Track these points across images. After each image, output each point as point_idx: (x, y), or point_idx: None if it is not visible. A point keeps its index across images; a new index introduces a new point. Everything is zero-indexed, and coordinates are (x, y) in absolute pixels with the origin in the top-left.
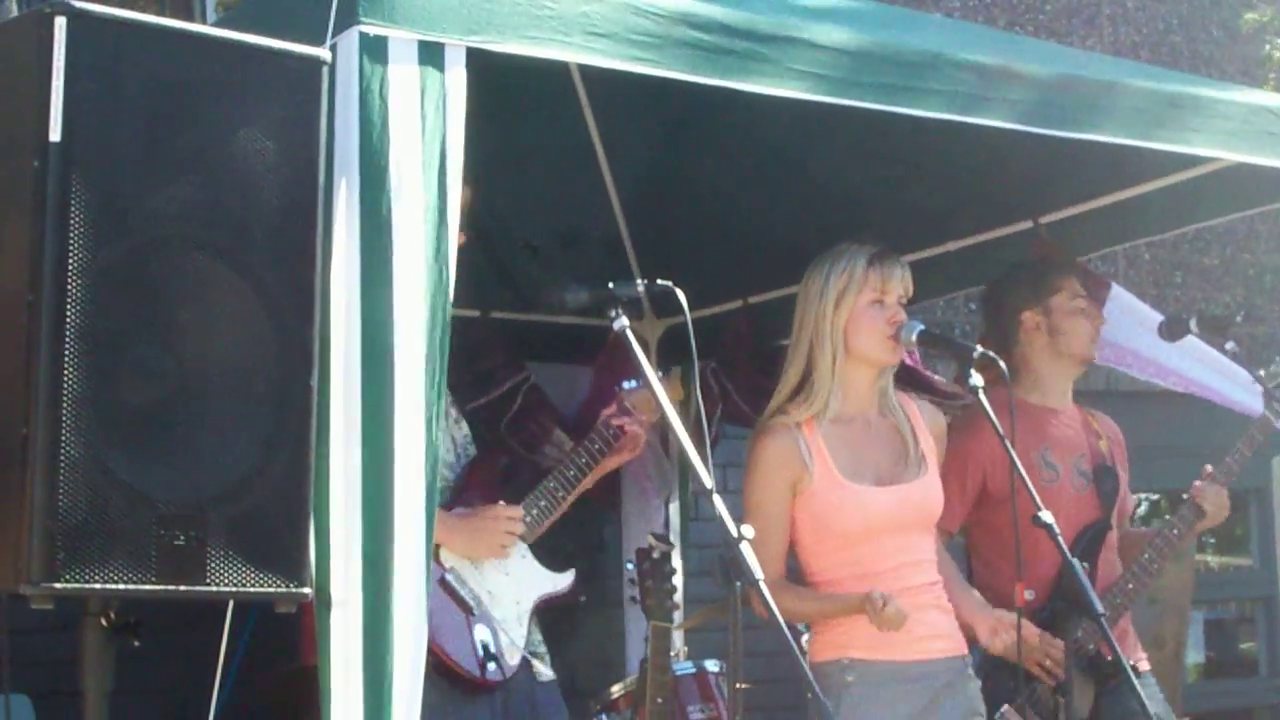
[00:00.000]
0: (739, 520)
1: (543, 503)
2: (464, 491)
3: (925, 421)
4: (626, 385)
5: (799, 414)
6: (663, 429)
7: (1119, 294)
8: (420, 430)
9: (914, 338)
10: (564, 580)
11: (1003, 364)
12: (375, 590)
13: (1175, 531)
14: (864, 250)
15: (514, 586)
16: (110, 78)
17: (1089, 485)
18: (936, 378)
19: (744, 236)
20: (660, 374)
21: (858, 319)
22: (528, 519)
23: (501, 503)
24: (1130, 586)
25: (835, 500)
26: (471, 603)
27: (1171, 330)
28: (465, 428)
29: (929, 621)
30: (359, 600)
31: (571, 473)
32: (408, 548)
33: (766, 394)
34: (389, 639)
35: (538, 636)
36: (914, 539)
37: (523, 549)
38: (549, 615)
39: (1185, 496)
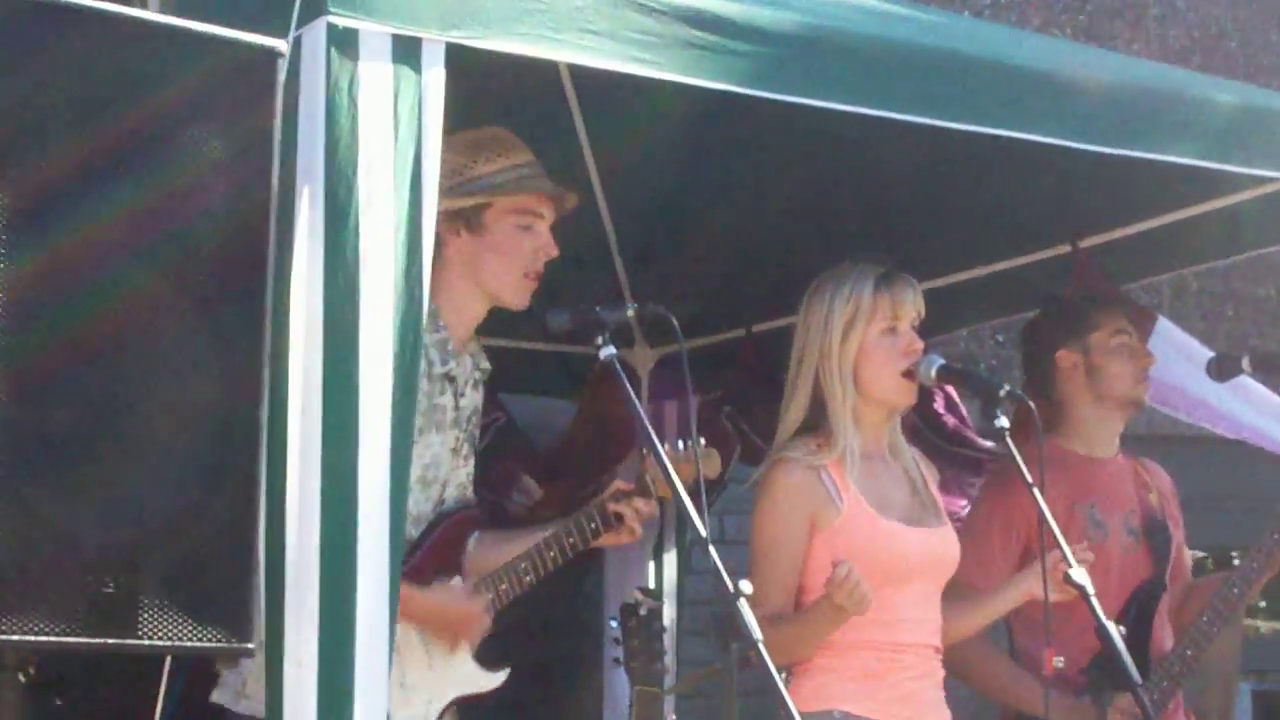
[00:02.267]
0: (739, 572)
1: (503, 586)
2: (420, 549)
3: (927, 470)
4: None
5: (820, 456)
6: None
7: (1165, 328)
8: (385, 472)
9: (934, 374)
10: (492, 680)
11: (1031, 404)
12: (333, 650)
13: (1236, 591)
14: (870, 270)
15: (433, 681)
16: (34, 66)
17: (1139, 543)
18: (978, 440)
19: (748, 257)
20: (694, 443)
21: (869, 352)
22: (490, 596)
23: (458, 583)
24: (1189, 653)
25: (869, 535)
26: None
27: (1222, 369)
28: (470, 467)
29: (930, 698)
30: (314, 661)
31: (551, 553)
32: (371, 601)
33: None
34: (349, 710)
35: None
36: (934, 591)
37: None
38: (516, 679)
39: (1247, 550)
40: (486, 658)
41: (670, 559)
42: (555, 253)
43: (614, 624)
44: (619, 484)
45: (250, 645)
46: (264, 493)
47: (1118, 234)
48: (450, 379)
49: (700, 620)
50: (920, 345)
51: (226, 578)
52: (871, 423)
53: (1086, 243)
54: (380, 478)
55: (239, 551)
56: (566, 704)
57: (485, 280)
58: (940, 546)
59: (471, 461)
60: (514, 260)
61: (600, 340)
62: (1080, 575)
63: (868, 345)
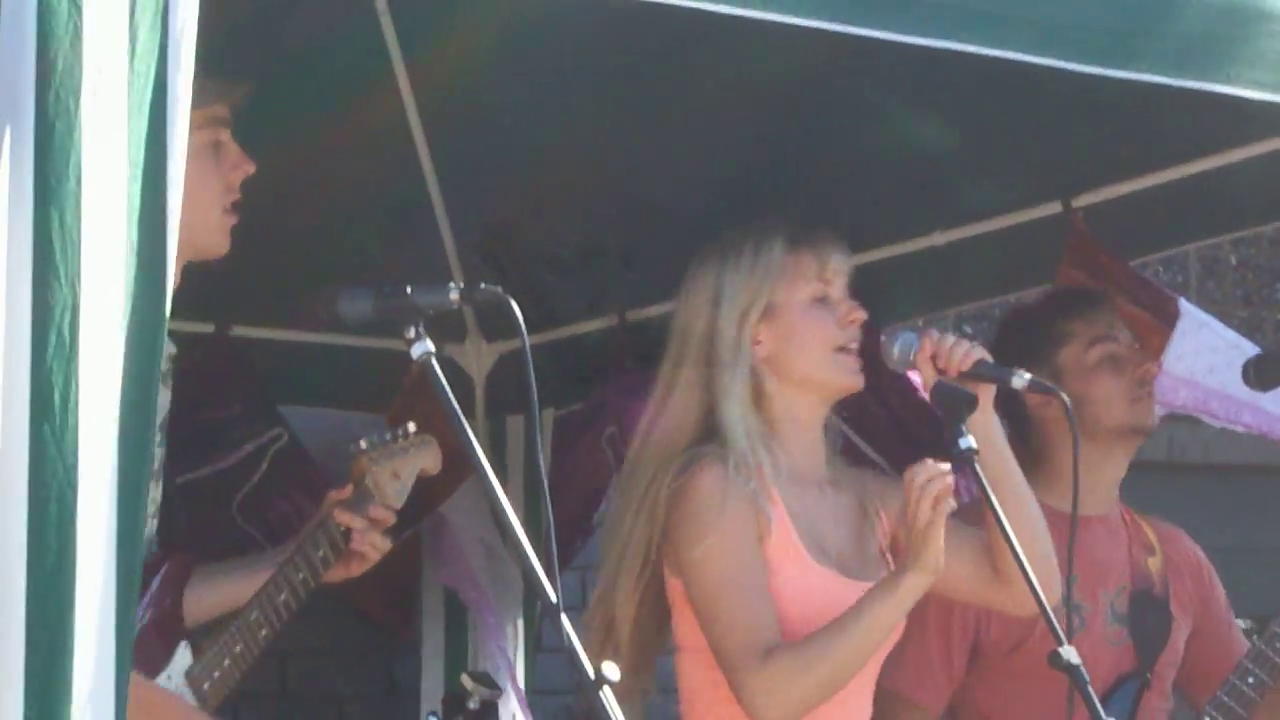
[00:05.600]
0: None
1: (239, 648)
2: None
3: (880, 494)
4: (363, 443)
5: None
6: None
7: (1191, 315)
8: (109, 512)
9: (913, 356)
10: None
11: (1065, 396)
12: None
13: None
14: (775, 229)
15: None
16: None
17: (1125, 630)
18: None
19: (625, 223)
20: (409, 429)
21: (797, 328)
22: (217, 674)
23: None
24: None
25: (796, 581)
26: None
27: (1263, 373)
28: (156, 492)
29: None
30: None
31: (282, 597)
32: (92, 678)
33: None
34: None
35: None
36: (871, 668)
37: None
38: None
39: None
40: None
41: (516, 631)
42: (252, 167)
43: None
44: (335, 493)
45: None
46: None
47: (1122, 189)
48: None
49: (553, 716)
50: (862, 313)
51: None
52: (796, 426)
53: (1081, 201)
54: (103, 526)
55: None
56: None
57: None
58: None
59: (159, 484)
60: (210, 192)
61: (414, 333)
62: (1071, 654)
63: (792, 322)
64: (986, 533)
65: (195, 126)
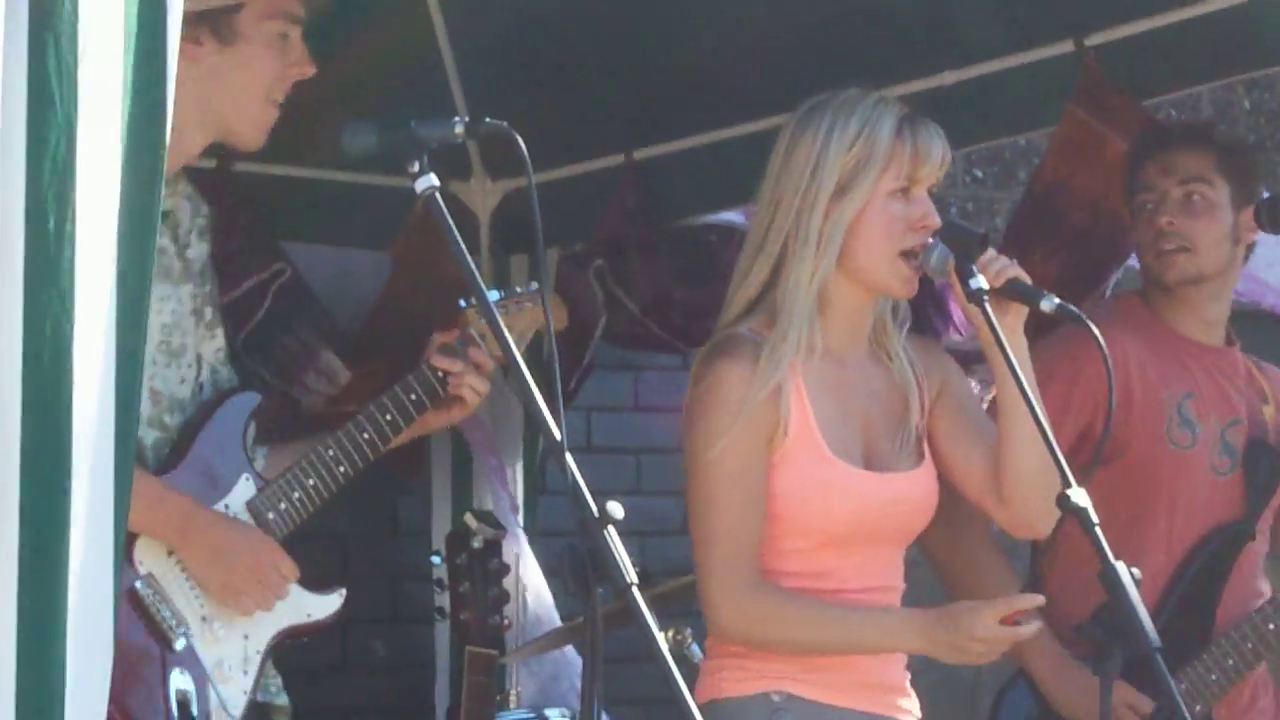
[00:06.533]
0: (613, 491)
1: (311, 481)
2: (188, 452)
3: (926, 366)
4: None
5: (768, 333)
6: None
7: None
8: (102, 349)
9: (948, 266)
10: (325, 605)
11: (1094, 328)
12: (37, 607)
13: None
14: (889, 106)
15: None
16: None
17: (1236, 467)
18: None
19: (629, 55)
20: (530, 287)
21: (868, 216)
22: (283, 505)
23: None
24: (1272, 627)
25: (817, 480)
26: (172, 632)
27: (1274, 214)
28: (221, 339)
29: (892, 679)
30: (10, 625)
31: (366, 435)
32: (89, 538)
33: (681, 306)
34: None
35: (275, 682)
36: (891, 553)
37: None
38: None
39: None
40: (309, 576)
41: (515, 474)
42: (312, 69)
43: (437, 560)
44: (440, 336)
45: None
46: None
47: (1136, 28)
48: (165, 214)
49: (556, 557)
50: (936, 220)
51: None
52: (844, 311)
53: (1093, 40)
54: (96, 362)
55: None
56: (378, 668)
57: (222, 105)
58: (912, 494)
59: (220, 335)
60: (263, 80)
61: (418, 167)
62: (1080, 497)
63: (870, 206)
64: (997, 426)
65: (266, 15)
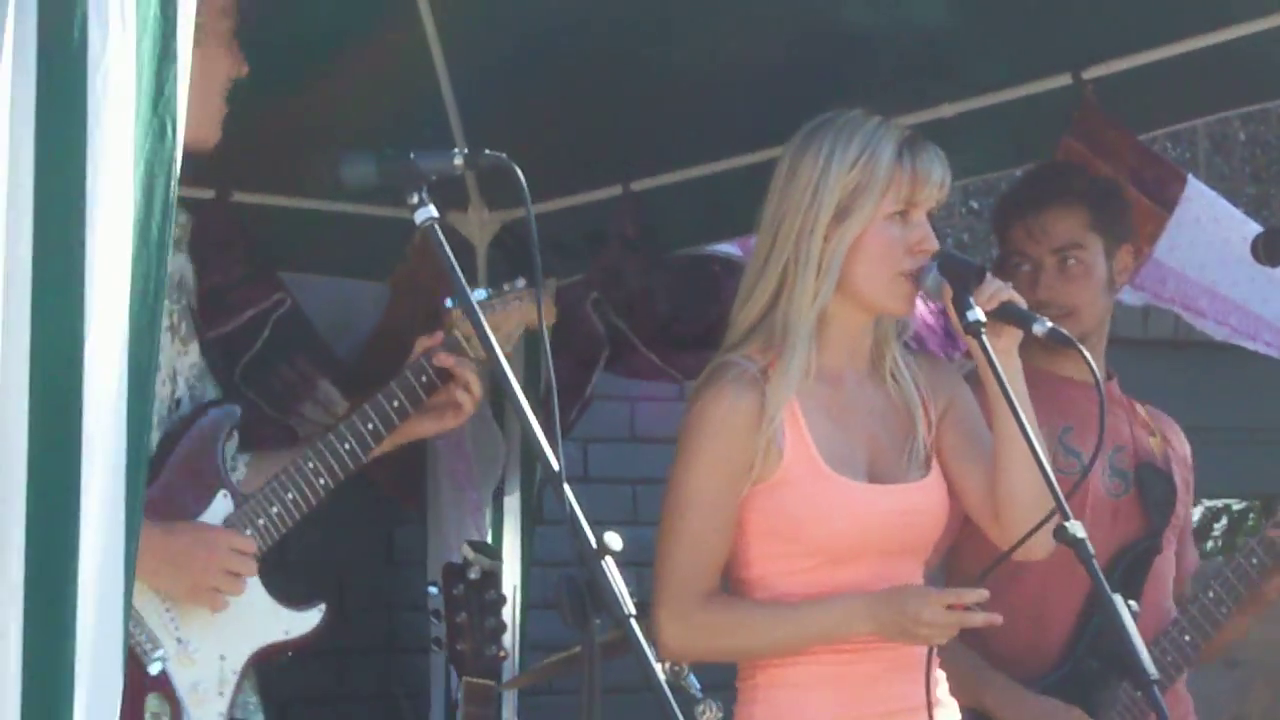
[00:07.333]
0: (611, 522)
1: (290, 495)
2: (161, 471)
3: (932, 384)
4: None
5: (764, 358)
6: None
7: (1199, 194)
8: (117, 372)
9: (942, 289)
10: (303, 622)
11: (1086, 353)
12: (45, 615)
13: (1254, 560)
14: (891, 130)
15: (221, 631)
16: None
17: (1129, 488)
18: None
19: (629, 87)
20: (517, 285)
21: (866, 240)
22: (262, 522)
23: (221, 512)
24: (1187, 639)
25: (817, 498)
26: (146, 656)
27: (1271, 247)
28: (195, 354)
29: (920, 696)
30: (17, 634)
31: (347, 446)
32: (98, 554)
33: (684, 337)
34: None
35: (251, 700)
36: (906, 566)
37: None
38: (299, 664)
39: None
40: (290, 592)
41: (512, 504)
42: (247, 69)
43: (434, 591)
44: (424, 340)
45: None
46: None
47: (1134, 62)
48: None
49: (553, 588)
50: (934, 244)
51: None
52: (843, 331)
53: (1091, 73)
54: (111, 393)
55: None
56: (371, 699)
57: (192, 104)
58: (919, 505)
59: (195, 349)
60: (221, 78)
61: (417, 199)
62: (1077, 529)
63: (869, 230)
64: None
65: (224, 12)
